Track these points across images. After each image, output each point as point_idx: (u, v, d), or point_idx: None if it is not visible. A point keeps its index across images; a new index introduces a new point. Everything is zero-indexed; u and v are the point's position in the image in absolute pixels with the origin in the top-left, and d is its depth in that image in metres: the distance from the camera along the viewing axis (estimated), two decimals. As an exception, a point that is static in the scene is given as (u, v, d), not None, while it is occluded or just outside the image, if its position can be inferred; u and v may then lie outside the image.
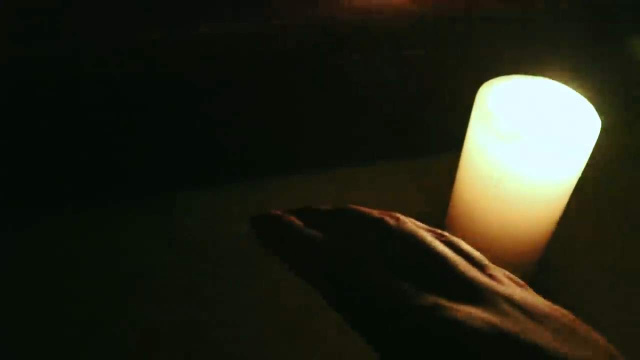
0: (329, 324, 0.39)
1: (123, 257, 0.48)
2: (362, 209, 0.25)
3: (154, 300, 0.45)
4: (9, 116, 0.48)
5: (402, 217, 0.24)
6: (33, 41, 0.46)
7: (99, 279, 0.46)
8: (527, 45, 0.55)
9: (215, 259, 0.48)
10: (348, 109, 0.55)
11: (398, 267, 0.21)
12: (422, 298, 0.20)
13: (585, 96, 0.40)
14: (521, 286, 0.22)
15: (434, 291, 0.20)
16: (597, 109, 0.39)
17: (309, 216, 0.25)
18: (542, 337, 0.18)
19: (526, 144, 0.36)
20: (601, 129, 0.38)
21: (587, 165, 0.39)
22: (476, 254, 0.23)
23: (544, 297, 0.22)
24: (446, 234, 0.24)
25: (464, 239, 0.24)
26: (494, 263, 0.23)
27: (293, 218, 0.24)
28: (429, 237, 0.22)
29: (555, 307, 0.21)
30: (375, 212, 0.24)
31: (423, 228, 0.23)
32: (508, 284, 0.21)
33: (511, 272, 0.23)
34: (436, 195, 0.52)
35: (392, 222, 0.23)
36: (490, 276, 0.21)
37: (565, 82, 0.41)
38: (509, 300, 0.20)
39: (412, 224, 0.23)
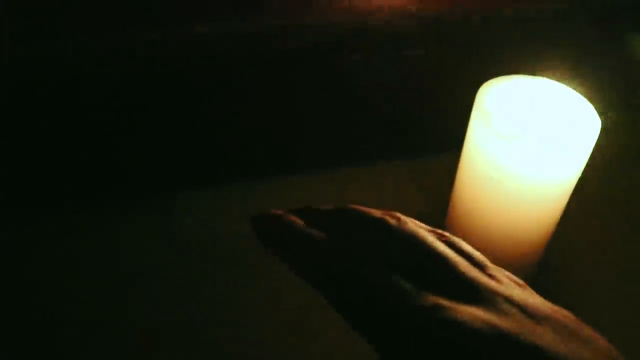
0: (329, 324, 0.39)
1: (123, 257, 0.48)
2: (363, 208, 0.25)
3: (154, 300, 0.45)
4: (9, 116, 0.48)
5: (403, 217, 0.24)
6: (33, 41, 0.46)
7: (99, 279, 0.46)
8: (527, 45, 0.55)
9: (215, 259, 0.48)
10: (348, 108, 0.55)
11: (399, 267, 0.21)
12: (423, 298, 0.20)
13: (585, 96, 0.40)
14: (521, 286, 0.22)
15: (435, 291, 0.20)
16: (597, 109, 0.39)
17: (309, 216, 0.25)
18: (543, 337, 0.18)
19: (526, 144, 0.36)
20: (601, 129, 0.38)
21: (587, 165, 0.39)
22: (477, 254, 0.23)
23: (544, 297, 0.22)
24: (447, 234, 0.24)
25: (464, 239, 0.24)
26: (494, 263, 0.23)
27: (293, 218, 0.24)
28: (430, 238, 0.22)
29: (556, 307, 0.21)
30: (376, 212, 0.24)
31: (424, 228, 0.23)
32: (508, 285, 0.21)
33: (511, 272, 0.23)
34: (436, 195, 0.52)
35: (393, 222, 0.23)
36: (491, 276, 0.21)
37: (565, 82, 0.41)
38: (510, 301, 0.20)
39: (413, 224, 0.23)
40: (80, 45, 0.46)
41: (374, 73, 0.53)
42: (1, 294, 0.45)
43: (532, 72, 0.42)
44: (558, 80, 0.41)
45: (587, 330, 0.20)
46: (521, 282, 0.22)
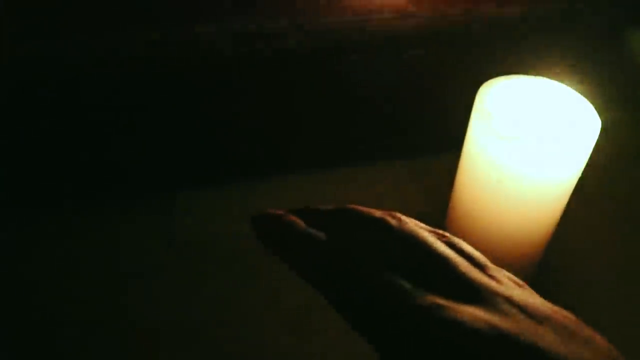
0: (329, 324, 0.39)
1: (123, 257, 0.48)
2: (363, 209, 0.25)
3: (154, 300, 0.45)
4: (9, 116, 0.48)
5: (403, 218, 0.24)
6: (33, 41, 0.46)
7: (99, 279, 0.46)
8: (527, 45, 0.55)
9: (215, 259, 0.48)
10: (348, 108, 0.55)
11: (399, 267, 0.21)
12: (423, 298, 0.20)
13: (585, 96, 0.40)
14: (522, 287, 0.22)
15: (435, 291, 0.20)
16: (597, 109, 0.39)
17: (309, 216, 0.25)
18: (543, 338, 0.18)
19: (526, 144, 0.36)
20: (601, 129, 0.38)
21: (587, 165, 0.39)
22: (477, 255, 0.23)
23: (544, 297, 0.22)
24: (447, 234, 0.24)
25: (464, 239, 0.24)
26: (494, 263, 0.23)
27: (293, 218, 0.24)
28: (431, 238, 0.22)
29: (556, 308, 0.21)
30: (377, 212, 0.24)
31: (424, 229, 0.23)
32: (508, 285, 0.21)
33: (511, 272, 0.23)
34: (436, 195, 0.52)
35: (393, 222, 0.23)
36: (491, 277, 0.21)
37: (565, 82, 0.41)
38: (510, 301, 0.20)
39: (414, 225, 0.23)
40: (80, 45, 0.46)
41: (374, 73, 0.53)
42: (1, 294, 0.45)
43: (532, 72, 0.42)
44: (558, 80, 0.41)
45: (587, 331, 0.20)
46: (521, 282, 0.22)
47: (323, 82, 0.53)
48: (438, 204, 0.50)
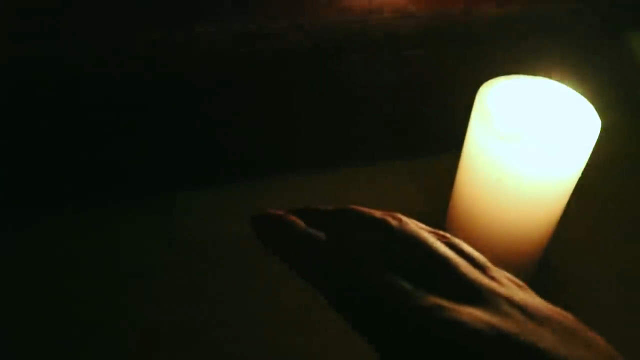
0: (329, 324, 0.39)
1: (123, 257, 0.48)
2: (363, 209, 0.25)
3: (154, 300, 0.45)
4: (9, 116, 0.48)
5: (404, 218, 0.24)
6: (33, 41, 0.46)
7: (99, 279, 0.46)
8: (527, 45, 0.55)
9: (215, 259, 0.48)
10: (348, 108, 0.55)
11: (399, 267, 0.21)
12: (423, 299, 0.20)
13: (585, 96, 0.40)
14: (522, 288, 0.22)
15: (435, 292, 0.20)
16: (597, 109, 0.39)
17: (309, 216, 0.25)
18: (543, 338, 0.18)
19: (526, 144, 0.36)
20: (601, 129, 0.38)
21: (587, 165, 0.39)
22: (478, 255, 0.23)
23: (544, 297, 0.22)
24: (448, 235, 0.24)
25: (464, 239, 0.24)
26: (494, 263, 0.23)
27: (293, 218, 0.24)
28: (431, 239, 0.22)
29: (556, 309, 0.21)
30: (377, 213, 0.24)
31: (425, 229, 0.23)
32: (509, 286, 0.21)
33: (511, 272, 0.23)
34: (436, 195, 0.52)
35: (394, 222, 0.23)
36: (492, 278, 0.22)
37: (565, 82, 0.41)
38: (510, 302, 0.20)
39: (414, 225, 0.23)
40: (80, 45, 0.46)
41: (374, 73, 0.53)
42: (1, 294, 0.45)
43: (532, 72, 0.42)
44: (558, 80, 0.41)
45: (586, 332, 0.20)
46: (521, 283, 0.22)
47: (323, 82, 0.53)
48: (438, 204, 0.50)
